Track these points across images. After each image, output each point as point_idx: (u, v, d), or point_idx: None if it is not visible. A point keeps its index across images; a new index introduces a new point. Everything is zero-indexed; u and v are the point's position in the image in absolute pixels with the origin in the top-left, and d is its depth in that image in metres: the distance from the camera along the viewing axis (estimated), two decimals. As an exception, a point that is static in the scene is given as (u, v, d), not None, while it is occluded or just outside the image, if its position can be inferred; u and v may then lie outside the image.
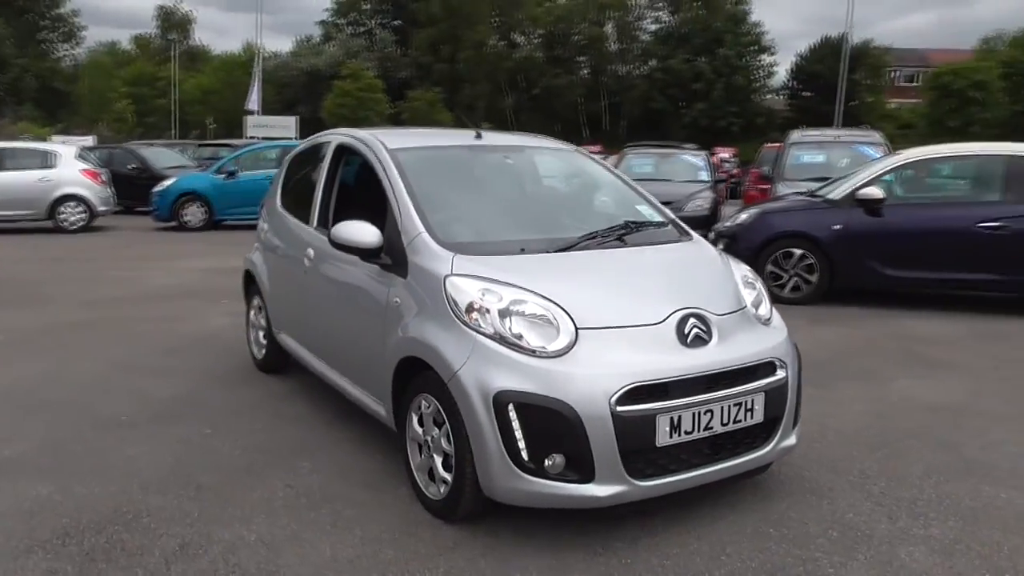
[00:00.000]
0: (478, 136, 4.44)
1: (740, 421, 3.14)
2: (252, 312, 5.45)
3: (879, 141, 11.52)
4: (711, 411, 3.05)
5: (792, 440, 3.41)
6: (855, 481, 3.68)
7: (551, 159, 4.65)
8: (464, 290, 3.18)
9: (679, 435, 2.99)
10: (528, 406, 2.89)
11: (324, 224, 4.42)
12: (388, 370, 3.49)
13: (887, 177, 7.67)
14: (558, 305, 3.07)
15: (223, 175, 14.35)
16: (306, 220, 4.55)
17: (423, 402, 3.30)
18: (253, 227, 5.77)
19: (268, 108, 42.39)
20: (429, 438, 3.28)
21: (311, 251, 4.33)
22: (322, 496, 3.48)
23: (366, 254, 3.63)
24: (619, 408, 2.89)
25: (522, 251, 3.46)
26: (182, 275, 9.30)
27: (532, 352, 2.97)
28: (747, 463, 3.22)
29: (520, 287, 3.14)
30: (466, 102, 50.94)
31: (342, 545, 3.07)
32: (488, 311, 3.07)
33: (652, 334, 3.09)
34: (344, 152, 4.49)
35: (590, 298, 3.18)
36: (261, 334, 5.28)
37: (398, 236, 3.57)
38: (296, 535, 3.15)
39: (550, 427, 2.90)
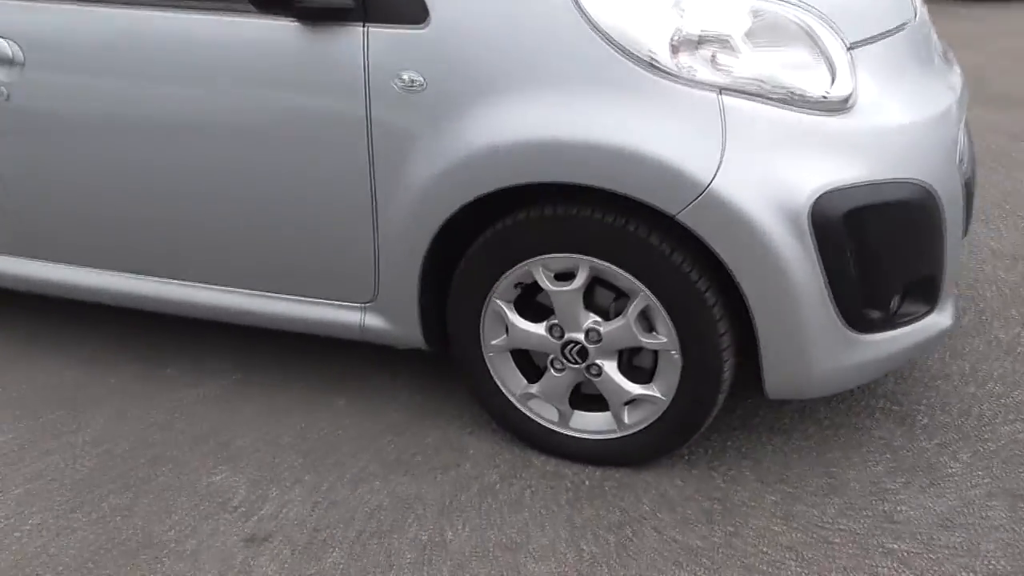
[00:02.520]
0: None
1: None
2: None
3: None
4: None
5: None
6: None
7: None
8: (636, 14, 1.48)
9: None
10: (867, 209, 1.48)
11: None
12: (419, 239, 1.67)
13: None
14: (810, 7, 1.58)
15: None
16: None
17: (540, 273, 1.62)
18: None
19: None
20: (584, 336, 1.64)
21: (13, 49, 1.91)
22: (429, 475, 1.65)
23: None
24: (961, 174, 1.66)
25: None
26: None
27: (816, 105, 1.50)
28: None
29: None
30: None
31: (559, 554, 1.44)
32: (726, 41, 1.47)
33: (911, 38, 1.80)
34: None
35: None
36: None
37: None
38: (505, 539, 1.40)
39: (899, 236, 1.54)
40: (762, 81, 1.46)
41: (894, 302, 1.58)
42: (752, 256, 1.45)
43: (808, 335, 1.51)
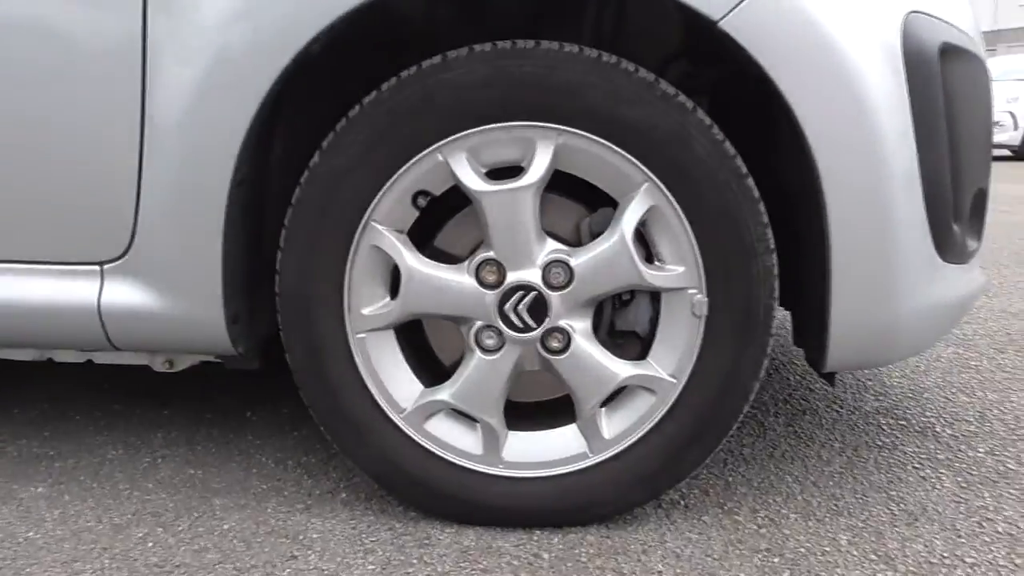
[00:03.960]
0: None
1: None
2: None
3: None
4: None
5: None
6: None
7: None
8: None
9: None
10: (958, 54, 1.01)
11: None
12: (231, 113, 0.91)
13: None
14: None
15: None
16: None
17: (465, 164, 0.93)
18: None
19: None
20: (541, 277, 0.95)
21: None
22: None
23: None
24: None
25: None
26: None
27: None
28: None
29: None
30: None
31: None
32: None
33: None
34: None
35: None
36: None
37: None
38: None
39: (977, 109, 1.08)
40: None
41: (965, 218, 1.10)
42: (831, 97, 0.90)
43: (897, 244, 0.95)
